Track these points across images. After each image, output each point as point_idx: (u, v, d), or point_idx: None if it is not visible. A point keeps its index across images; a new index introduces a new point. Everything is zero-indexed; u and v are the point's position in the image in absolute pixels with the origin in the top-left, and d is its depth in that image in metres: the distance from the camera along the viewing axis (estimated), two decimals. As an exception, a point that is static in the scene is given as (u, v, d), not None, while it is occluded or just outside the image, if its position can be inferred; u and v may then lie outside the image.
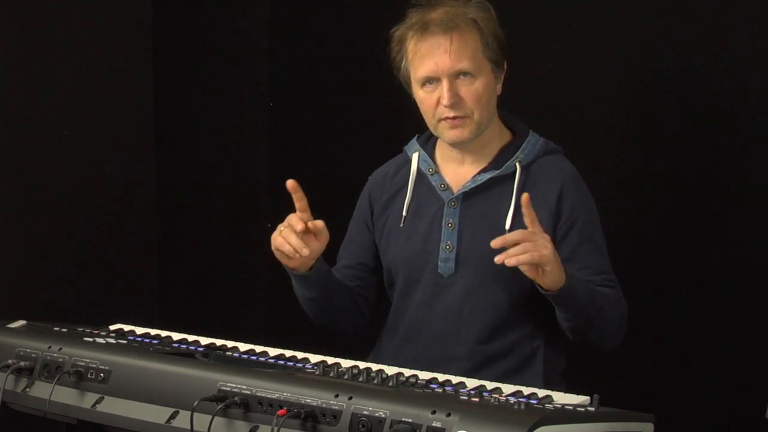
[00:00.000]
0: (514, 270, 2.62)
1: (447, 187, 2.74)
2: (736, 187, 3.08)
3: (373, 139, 3.60)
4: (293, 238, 2.54)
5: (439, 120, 2.68)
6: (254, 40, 3.97)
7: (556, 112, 3.28)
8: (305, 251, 2.54)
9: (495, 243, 2.44)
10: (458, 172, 2.75)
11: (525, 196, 2.46)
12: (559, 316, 2.58)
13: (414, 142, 2.83)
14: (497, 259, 2.41)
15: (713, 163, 3.11)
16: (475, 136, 2.69)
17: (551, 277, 2.45)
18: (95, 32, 3.83)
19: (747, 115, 3.05)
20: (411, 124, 2.85)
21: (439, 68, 2.65)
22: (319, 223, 2.57)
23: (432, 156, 2.79)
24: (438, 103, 2.66)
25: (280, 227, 2.57)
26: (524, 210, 2.46)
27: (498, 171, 2.70)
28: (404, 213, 2.77)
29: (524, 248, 2.40)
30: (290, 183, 2.55)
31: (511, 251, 2.40)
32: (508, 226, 2.66)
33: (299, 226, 2.54)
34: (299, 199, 2.56)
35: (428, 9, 2.70)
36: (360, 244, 2.85)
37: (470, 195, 2.71)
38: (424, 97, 2.69)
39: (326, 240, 2.60)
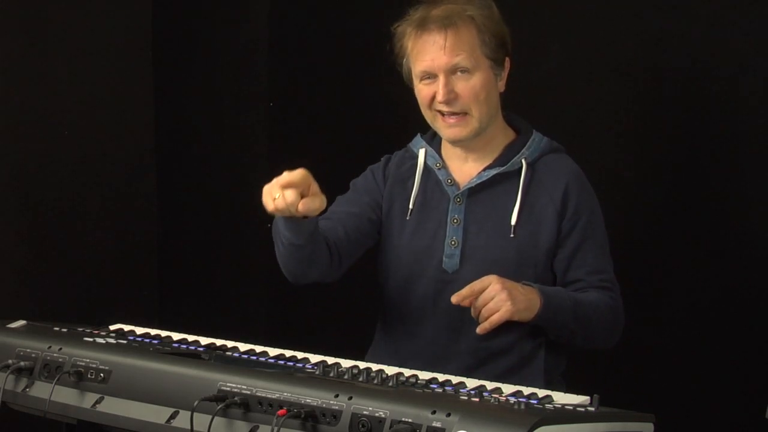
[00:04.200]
0: (518, 267, 2.63)
1: (453, 183, 2.75)
2: (736, 186, 3.08)
3: (374, 138, 3.60)
4: (289, 195, 2.45)
5: (436, 114, 2.68)
6: (254, 40, 3.97)
7: (557, 111, 3.28)
8: (299, 209, 2.46)
9: (454, 300, 2.55)
10: (464, 168, 2.76)
11: (454, 299, 2.55)
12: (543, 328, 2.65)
13: (419, 139, 2.84)
14: (479, 330, 2.55)
15: (713, 163, 3.12)
16: (476, 134, 2.69)
17: (521, 316, 2.55)
18: (95, 32, 3.83)
19: (747, 115, 3.06)
20: (411, 124, 2.86)
21: (435, 64, 2.66)
22: (315, 188, 2.49)
23: (438, 152, 2.80)
24: (433, 97, 2.67)
25: (275, 182, 2.49)
26: (466, 293, 2.53)
27: (504, 167, 2.71)
28: (410, 206, 2.77)
29: (488, 311, 2.52)
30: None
31: (484, 324, 2.53)
32: (513, 222, 2.67)
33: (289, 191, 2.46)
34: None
35: (429, 6, 2.71)
36: (368, 200, 2.79)
37: (476, 191, 2.72)
38: (422, 91, 2.71)
39: (324, 202, 2.51)
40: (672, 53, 3.16)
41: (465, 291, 2.54)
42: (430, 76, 2.68)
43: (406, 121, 2.91)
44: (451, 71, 2.66)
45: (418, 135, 2.85)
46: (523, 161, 2.71)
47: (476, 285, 2.53)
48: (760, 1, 3.00)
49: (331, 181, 3.43)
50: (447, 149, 2.79)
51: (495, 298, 2.51)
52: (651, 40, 3.18)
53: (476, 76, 2.67)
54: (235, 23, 4.01)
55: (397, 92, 2.82)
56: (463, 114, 2.67)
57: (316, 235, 2.63)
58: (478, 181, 2.72)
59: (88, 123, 3.81)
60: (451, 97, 2.66)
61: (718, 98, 3.10)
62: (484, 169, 2.73)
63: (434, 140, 2.82)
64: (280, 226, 2.61)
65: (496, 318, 2.52)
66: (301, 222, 2.55)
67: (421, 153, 2.80)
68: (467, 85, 2.66)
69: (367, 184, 2.84)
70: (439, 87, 2.65)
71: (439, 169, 2.77)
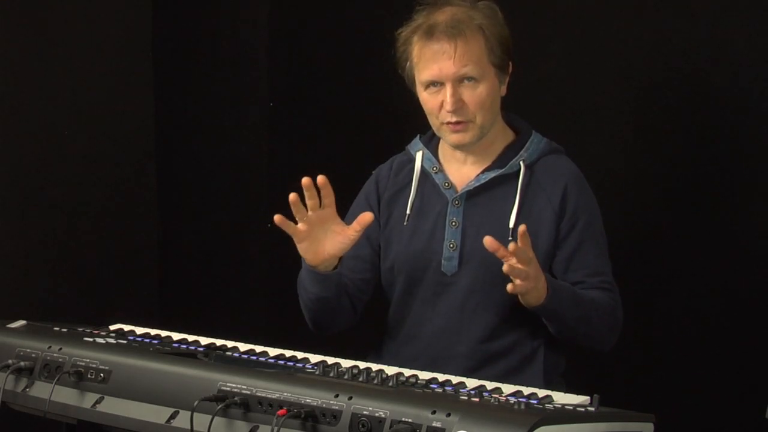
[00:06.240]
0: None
1: (451, 186, 2.74)
2: (736, 187, 3.08)
3: (374, 139, 3.60)
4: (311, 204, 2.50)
5: (442, 123, 2.68)
6: (254, 40, 3.97)
7: (557, 112, 3.28)
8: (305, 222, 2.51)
9: (509, 247, 2.44)
10: (462, 170, 2.75)
11: (522, 227, 2.44)
12: (544, 321, 2.63)
13: (417, 141, 2.83)
14: (509, 289, 2.46)
15: (714, 163, 3.12)
16: (478, 139, 2.69)
17: (528, 300, 2.52)
18: (95, 32, 3.83)
19: (747, 115, 3.05)
20: (412, 124, 2.85)
21: (443, 73, 2.65)
22: (362, 219, 2.52)
23: (435, 155, 2.79)
24: (441, 106, 2.66)
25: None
26: (521, 239, 2.43)
27: (502, 170, 2.71)
28: (408, 211, 2.77)
29: (523, 274, 2.44)
30: (320, 179, 2.49)
31: (517, 284, 2.45)
32: (511, 224, 2.67)
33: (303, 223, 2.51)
34: (314, 196, 2.50)
35: (434, 11, 2.69)
36: (367, 234, 2.76)
37: (474, 194, 2.71)
38: (427, 99, 2.70)
39: (355, 237, 2.56)
40: (672, 54, 3.15)
41: (515, 248, 2.42)
42: (435, 83, 2.67)
43: (406, 121, 2.91)
44: (459, 80, 2.65)
45: (417, 137, 2.84)
46: (521, 163, 2.71)
47: (524, 253, 2.43)
48: (761, 2, 3.00)
49: (331, 182, 3.43)
50: (445, 151, 2.79)
51: (531, 274, 2.46)
52: (651, 41, 3.18)
53: (483, 84, 2.66)
54: (235, 23, 4.01)
55: (397, 92, 2.82)
56: (468, 121, 2.67)
57: (341, 284, 2.68)
58: (477, 184, 2.72)
59: (88, 123, 3.82)
60: (459, 106, 2.65)
61: (718, 99, 3.10)
62: (483, 172, 2.73)
63: (432, 142, 2.81)
64: (307, 284, 2.66)
65: (519, 288, 2.47)
66: (328, 275, 2.61)
67: (418, 156, 2.80)
68: (474, 94, 2.66)
69: (363, 203, 2.84)
70: (447, 96, 2.64)
71: (436, 173, 2.77)
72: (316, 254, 2.58)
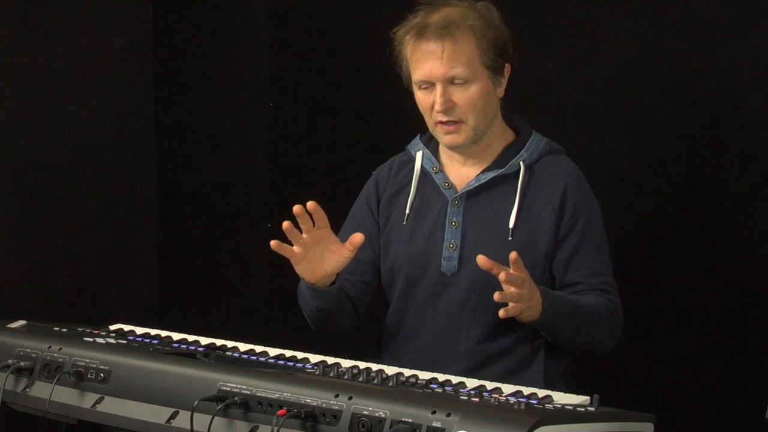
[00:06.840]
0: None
1: (451, 186, 2.74)
2: (736, 187, 3.08)
3: (374, 138, 3.61)
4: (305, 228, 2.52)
5: (435, 123, 2.69)
6: (254, 40, 3.97)
7: (557, 112, 3.28)
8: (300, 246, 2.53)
9: (492, 267, 2.45)
10: (462, 171, 2.75)
11: (513, 254, 2.44)
12: (542, 333, 2.64)
13: (417, 141, 2.83)
14: (501, 315, 2.45)
15: (713, 163, 3.12)
16: (472, 141, 2.69)
17: (523, 318, 2.52)
18: (95, 32, 3.83)
19: (747, 115, 3.05)
20: (411, 124, 2.85)
21: (432, 74, 2.65)
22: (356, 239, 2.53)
23: (435, 155, 2.79)
24: (432, 105, 2.66)
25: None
26: (514, 265, 2.43)
27: (502, 170, 2.71)
28: (407, 211, 2.77)
29: (516, 298, 2.43)
30: (310, 205, 2.49)
31: (510, 308, 2.44)
32: (511, 224, 2.66)
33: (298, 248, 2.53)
34: (307, 221, 2.51)
35: (430, 11, 2.69)
36: (367, 235, 2.75)
37: (474, 194, 2.71)
38: (421, 99, 2.70)
39: (350, 256, 2.57)
40: (672, 53, 3.15)
41: (507, 276, 2.41)
42: (427, 84, 2.68)
43: (406, 121, 2.91)
44: (449, 81, 2.65)
45: (417, 137, 2.85)
46: (521, 164, 2.71)
47: (516, 278, 2.43)
48: (761, 2, 3.00)
49: (331, 182, 3.43)
50: (445, 151, 2.79)
51: (524, 295, 2.46)
52: (651, 40, 3.18)
53: (474, 86, 2.66)
54: (235, 23, 4.01)
55: (397, 92, 2.82)
56: (460, 122, 2.67)
57: (340, 294, 2.70)
58: (476, 184, 2.72)
59: (89, 123, 3.82)
60: (449, 106, 2.65)
61: (718, 98, 3.10)
62: (482, 172, 2.73)
63: (432, 142, 2.81)
64: (307, 297, 2.68)
65: (512, 312, 2.46)
66: (327, 289, 2.64)
67: (418, 156, 2.80)
68: (464, 95, 2.66)
69: (360, 215, 2.84)
70: (437, 96, 2.65)
71: (436, 172, 2.77)
72: (314, 273, 2.60)
